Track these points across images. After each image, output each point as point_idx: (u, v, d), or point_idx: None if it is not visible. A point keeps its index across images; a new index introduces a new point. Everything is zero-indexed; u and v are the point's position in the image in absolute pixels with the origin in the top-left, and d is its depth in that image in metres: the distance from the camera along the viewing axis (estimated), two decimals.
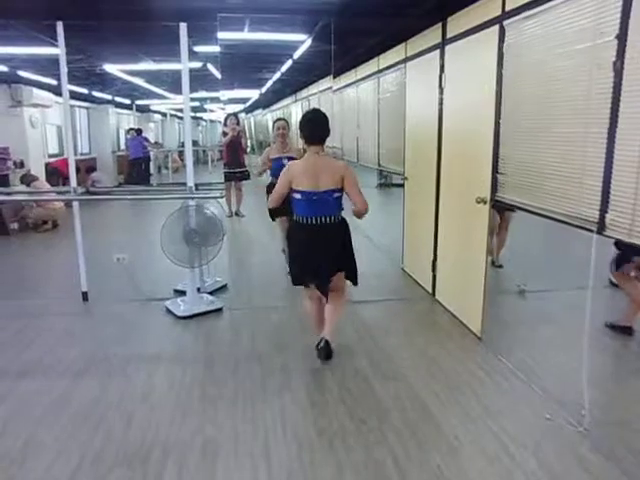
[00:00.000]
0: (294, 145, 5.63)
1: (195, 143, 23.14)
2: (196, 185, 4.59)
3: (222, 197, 4.76)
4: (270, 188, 6.03)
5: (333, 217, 3.30)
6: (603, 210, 2.48)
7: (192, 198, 4.47)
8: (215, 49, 5.67)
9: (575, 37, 2.64)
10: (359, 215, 3.36)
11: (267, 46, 6.02)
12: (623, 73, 2.33)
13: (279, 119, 5.67)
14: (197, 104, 17.37)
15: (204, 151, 21.38)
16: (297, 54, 6.38)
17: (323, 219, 3.27)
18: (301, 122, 3.35)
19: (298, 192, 3.25)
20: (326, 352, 3.44)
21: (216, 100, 16.30)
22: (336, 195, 3.27)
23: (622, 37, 2.33)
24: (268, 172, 5.59)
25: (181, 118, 25.39)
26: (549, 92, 2.91)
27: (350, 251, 3.46)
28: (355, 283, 3.56)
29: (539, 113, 3.01)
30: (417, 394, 3.11)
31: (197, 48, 5.67)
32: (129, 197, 5.48)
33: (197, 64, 6.81)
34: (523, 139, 3.21)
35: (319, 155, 3.29)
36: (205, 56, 6.45)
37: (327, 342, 3.45)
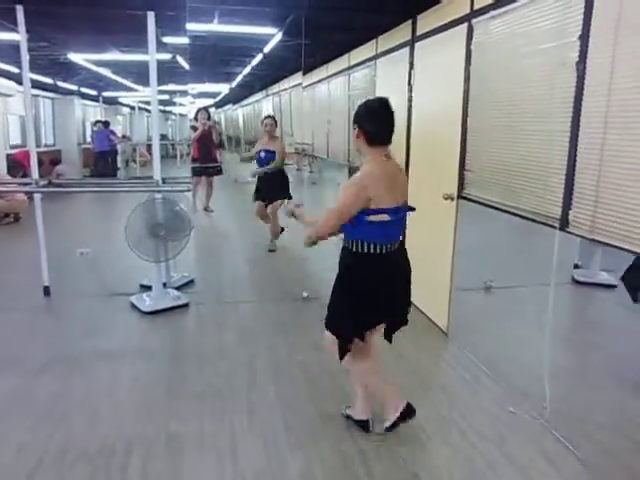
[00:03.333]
0: (278, 141, 6.40)
1: (164, 137, 22.82)
2: (163, 179, 4.51)
3: (189, 191, 4.68)
4: (261, 177, 6.27)
5: (399, 240, 2.52)
6: (566, 207, 2.53)
7: (158, 191, 4.39)
8: (184, 40, 5.58)
9: (540, 37, 2.68)
10: None
11: (237, 39, 5.95)
12: (585, 73, 2.38)
13: (267, 117, 6.43)
14: (166, 97, 17.12)
15: (173, 145, 21.08)
16: (268, 48, 6.33)
17: (393, 244, 2.44)
18: (363, 114, 2.41)
19: (384, 212, 2.32)
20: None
21: (186, 94, 16.08)
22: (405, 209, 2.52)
23: (584, 38, 2.38)
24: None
25: (150, 111, 25.03)
26: (515, 90, 2.95)
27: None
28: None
29: (505, 111, 3.06)
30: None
31: (166, 39, 5.56)
32: (94, 189, 5.33)
33: (166, 56, 6.69)
34: (490, 136, 3.26)
35: (388, 159, 2.42)
36: (174, 47, 6.34)
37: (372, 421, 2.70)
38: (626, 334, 4.09)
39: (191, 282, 5.13)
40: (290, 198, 6.26)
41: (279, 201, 6.20)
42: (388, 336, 2.62)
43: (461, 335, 3.83)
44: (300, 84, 7.86)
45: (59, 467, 2.40)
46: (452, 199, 3.69)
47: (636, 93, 2.12)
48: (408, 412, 2.61)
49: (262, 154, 6.20)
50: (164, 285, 4.64)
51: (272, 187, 6.23)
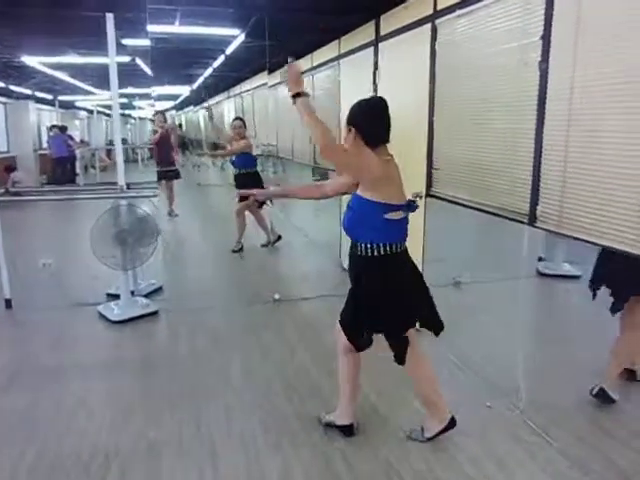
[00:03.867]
0: (247, 141, 6.45)
1: (124, 141, 22.30)
2: (127, 184, 4.41)
3: (155, 196, 4.59)
4: (237, 178, 6.28)
5: None
6: (534, 202, 2.59)
7: (123, 197, 4.29)
8: (145, 43, 5.47)
9: (503, 37, 2.74)
10: None
11: (199, 41, 5.88)
12: (548, 73, 2.44)
13: (235, 118, 6.59)
14: (125, 101, 16.73)
15: (133, 149, 20.65)
16: (230, 49, 6.27)
17: (404, 243, 2.45)
18: (360, 114, 2.40)
19: (399, 208, 2.31)
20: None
21: (146, 97, 15.77)
22: None
23: (546, 38, 2.44)
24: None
25: (109, 115, 24.43)
26: (481, 89, 3.00)
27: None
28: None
29: (472, 110, 3.11)
30: (362, 389, 3.13)
31: (125, 41, 5.44)
32: (56, 197, 5.16)
33: (125, 58, 6.53)
34: (457, 135, 3.31)
35: (392, 158, 2.43)
36: (134, 50, 6.21)
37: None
38: (592, 323, 4.22)
39: (159, 289, 5.04)
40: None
41: (249, 201, 6.15)
42: (434, 329, 2.64)
43: None
44: (265, 84, 7.81)
45: None
46: (420, 197, 3.73)
47: (598, 91, 2.18)
48: (451, 425, 2.58)
49: (233, 156, 6.31)
50: (132, 293, 4.53)
51: (246, 187, 6.16)
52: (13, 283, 4.53)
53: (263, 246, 6.57)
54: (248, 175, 6.26)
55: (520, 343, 2.94)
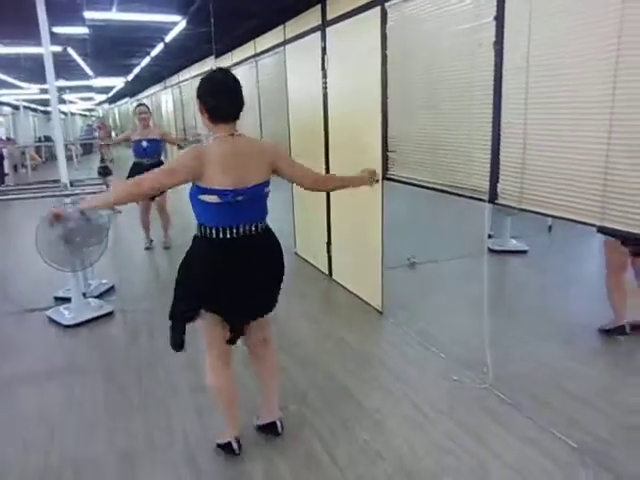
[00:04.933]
0: (157, 128, 6.40)
1: (48, 139, 21.27)
2: (70, 182, 4.19)
3: (101, 192, 4.38)
4: (134, 168, 5.95)
5: (262, 224, 2.25)
6: (494, 180, 2.66)
7: (68, 195, 4.08)
8: (80, 31, 5.17)
9: (456, 18, 2.77)
10: (349, 182, 2.74)
11: (137, 29, 5.62)
12: (503, 53, 2.49)
13: (140, 104, 6.37)
14: (48, 96, 15.90)
15: (66, 145, 19.72)
16: (170, 36, 6.05)
17: (251, 228, 2.19)
18: (202, 89, 2.15)
19: (214, 192, 2.08)
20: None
21: (76, 90, 15.04)
22: (267, 190, 2.24)
23: (500, 19, 2.49)
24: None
25: (36, 110, 23.17)
26: (435, 71, 3.03)
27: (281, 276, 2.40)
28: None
29: (427, 92, 3.14)
30: (331, 374, 3.14)
31: (56, 29, 5.12)
32: None
33: (57, 48, 6.17)
34: (412, 118, 3.33)
35: (235, 137, 2.16)
36: (66, 39, 5.86)
37: (279, 422, 2.55)
38: (544, 293, 4.42)
39: (111, 289, 4.84)
40: None
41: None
42: (234, 332, 2.32)
43: (396, 313, 3.94)
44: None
45: None
46: (377, 181, 3.75)
47: (553, 68, 2.25)
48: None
49: (144, 143, 5.87)
50: (84, 295, 4.33)
51: None
52: None
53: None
54: (156, 165, 5.75)
55: (480, 318, 3.03)
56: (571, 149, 2.21)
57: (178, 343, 2.29)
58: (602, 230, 2.18)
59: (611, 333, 3.45)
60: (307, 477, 2.27)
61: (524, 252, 5.49)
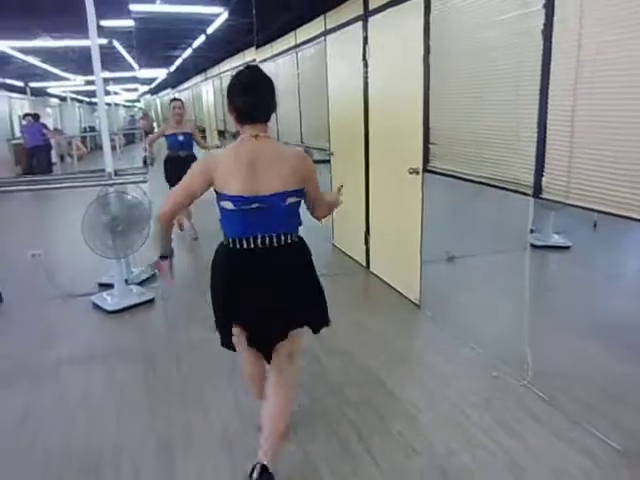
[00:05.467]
0: (189, 122, 6.52)
1: (92, 129, 21.88)
2: (115, 171, 4.30)
3: (144, 182, 4.48)
4: (169, 162, 6.15)
5: (287, 236, 2.01)
6: (539, 173, 2.58)
7: (113, 184, 4.18)
8: (126, 23, 5.28)
9: (502, 6, 2.69)
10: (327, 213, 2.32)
11: (180, 20, 5.70)
12: (552, 41, 2.41)
13: (175, 99, 6.45)
14: (94, 88, 16.32)
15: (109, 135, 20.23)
16: (212, 28, 6.10)
17: (269, 240, 1.97)
18: (231, 88, 2.00)
19: (226, 198, 1.93)
20: None
21: (120, 81, 15.39)
22: (290, 201, 1.97)
23: (549, 6, 2.40)
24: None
25: (81, 101, 23.85)
26: (479, 62, 2.96)
27: (317, 289, 2.20)
28: (318, 329, 2.25)
29: (470, 82, 3.07)
30: (367, 367, 3.14)
31: (103, 22, 5.24)
32: (45, 187, 4.96)
33: (102, 40, 6.33)
34: (455, 108, 3.27)
35: (260, 139, 1.96)
36: (112, 32, 6.00)
37: (264, 468, 2.08)
38: (586, 290, 4.29)
39: (153, 276, 4.95)
40: None
41: None
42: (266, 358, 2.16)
43: (433, 306, 3.89)
44: (245, 64, 7.67)
45: None
46: (417, 173, 3.71)
47: (607, 55, 2.16)
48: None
49: (180, 137, 6.05)
50: (126, 282, 4.46)
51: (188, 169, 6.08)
52: (2, 276, 4.41)
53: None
54: (187, 158, 5.98)
55: (519, 314, 2.97)
56: (624, 142, 2.12)
57: (228, 345, 2.20)
58: None
59: None
60: (341, 467, 2.28)
61: (567, 248, 5.34)
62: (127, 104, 35.10)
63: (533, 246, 5.28)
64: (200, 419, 2.69)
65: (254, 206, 1.92)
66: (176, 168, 6.14)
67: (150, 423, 2.68)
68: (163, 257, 2.17)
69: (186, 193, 2.01)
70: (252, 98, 1.97)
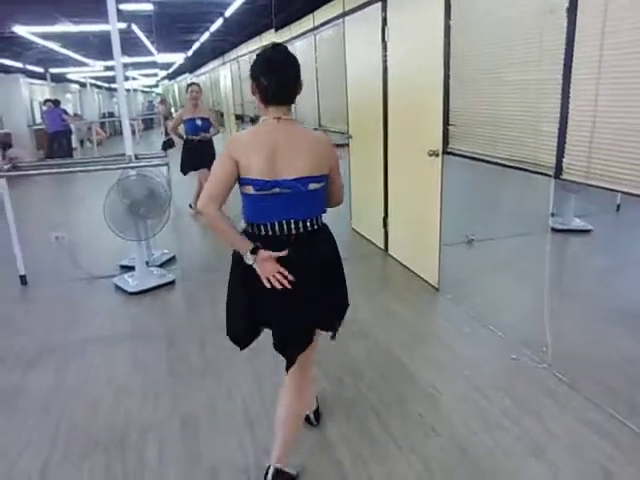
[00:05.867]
0: (206, 107, 6.68)
1: (111, 115, 22.03)
2: (135, 155, 4.34)
3: (165, 165, 4.52)
4: (187, 144, 6.32)
5: (309, 223, 1.91)
6: (560, 155, 2.55)
7: (133, 167, 4.23)
8: (145, 7, 5.28)
9: None
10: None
11: (198, 4, 5.69)
12: (576, 20, 2.36)
13: (192, 83, 6.55)
14: (112, 74, 16.36)
15: (120, 122, 20.39)
16: (230, 11, 6.08)
17: (289, 226, 1.88)
18: (255, 68, 1.89)
19: (247, 182, 1.84)
20: None
21: (138, 66, 15.44)
22: (313, 187, 1.88)
23: None
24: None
25: (100, 87, 24.00)
26: (500, 41, 2.92)
27: (341, 282, 2.12)
28: (336, 330, 2.13)
29: (491, 62, 3.03)
30: (387, 349, 3.16)
31: (122, 6, 5.25)
32: (69, 170, 5.02)
33: (121, 25, 6.33)
34: (475, 89, 3.23)
35: (283, 122, 1.88)
36: (131, 16, 6.01)
37: (278, 472, 2.02)
38: (607, 274, 4.24)
39: (172, 259, 5.03)
40: None
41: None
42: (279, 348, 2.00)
43: (452, 290, 3.89)
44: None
45: (72, 461, 2.34)
46: (437, 155, 3.69)
47: (630, 37, 2.11)
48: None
49: (198, 122, 6.22)
50: (147, 264, 4.52)
51: (206, 155, 6.23)
52: (26, 258, 4.51)
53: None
54: (206, 143, 6.35)
55: (539, 297, 2.95)
56: None
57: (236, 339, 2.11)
58: None
59: None
60: (362, 448, 2.31)
61: (588, 232, 5.27)
62: (145, 89, 35.23)
63: (554, 230, 5.23)
64: (223, 399, 2.74)
65: (275, 191, 1.84)
66: (194, 152, 6.22)
67: (174, 403, 2.73)
68: (253, 251, 1.82)
69: (223, 182, 1.83)
70: (279, 78, 1.86)
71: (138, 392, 2.86)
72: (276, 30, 6.59)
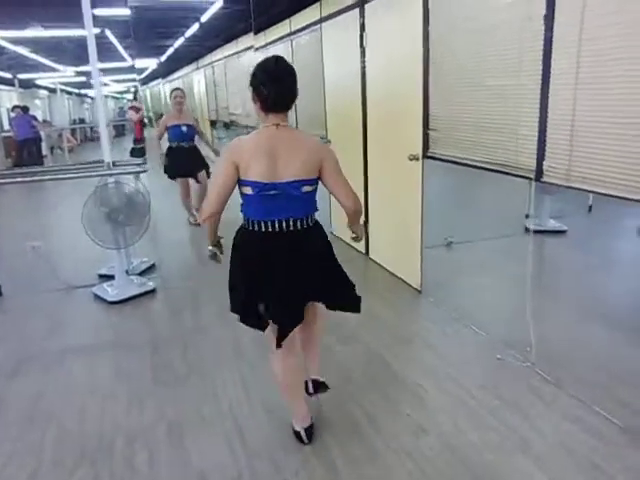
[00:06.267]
0: (190, 113, 6.52)
1: (82, 121, 21.67)
2: (112, 162, 4.28)
3: (145, 171, 4.46)
4: (172, 152, 6.13)
5: (303, 220, 2.14)
6: (540, 158, 2.61)
7: (112, 175, 4.17)
8: (121, 12, 5.21)
9: None
10: (353, 218, 2.31)
11: (175, 9, 5.65)
12: (554, 27, 2.43)
13: (176, 89, 6.37)
14: (83, 79, 16.08)
15: (92, 128, 20.05)
16: (206, 16, 6.05)
17: (287, 224, 2.10)
18: (256, 77, 2.06)
19: (247, 184, 2.05)
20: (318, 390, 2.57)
21: (109, 72, 15.22)
22: (305, 189, 2.09)
23: None
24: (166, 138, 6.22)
25: (70, 93, 23.56)
26: (480, 47, 2.97)
27: (337, 269, 2.38)
28: (358, 309, 2.42)
29: (471, 68, 3.08)
30: (374, 352, 3.17)
31: (97, 11, 5.18)
32: (44, 178, 4.85)
33: (95, 30, 6.24)
34: (454, 95, 3.29)
35: (281, 128, 2.08)
36: (105, 21, 5.93)
37: (320, 383, 2.55)
38: (583, 273, 4.35)
39: (152, 267, 4.96)
40: (208, 167, 6.28)
41: (203, 171, 6.23)
42: (279, 335, 2.19)
43: (434, 291, 3.93)
44: (235, 53, 7.59)
45: (59, 472, 2.29)
46: (417, 159, 3.73)
47: (607, 41, 2.18)
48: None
49: (184, 128, 6.04)
50: (127, 272, 4.45)
51: (194, 160, 6.20)
52: (1, 269, 4.40)
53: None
54: (191, 147, 6.24)
55: (520, 297, 3.01)
56: (627, 124, 2.15)
57: (258, 326, 2.26)
58: None
59: None
60: (352, 449, 2.32)
61: (563, 232, 5.40)
62: (116, 95, 34.68)
63: (530, 231, 5.35)
64: (209, 405, 2.72)
65: (272, 192, 2.05)
66: (181, 159, 6.11)
67: (160, 409, 2.70)
68: (215, 245, 2.31)
69: (225, 185, 2.06)
70: (278, 87, 2.05)
71: (123, 399, 2.83)
72: (255, 33, 6.59)
